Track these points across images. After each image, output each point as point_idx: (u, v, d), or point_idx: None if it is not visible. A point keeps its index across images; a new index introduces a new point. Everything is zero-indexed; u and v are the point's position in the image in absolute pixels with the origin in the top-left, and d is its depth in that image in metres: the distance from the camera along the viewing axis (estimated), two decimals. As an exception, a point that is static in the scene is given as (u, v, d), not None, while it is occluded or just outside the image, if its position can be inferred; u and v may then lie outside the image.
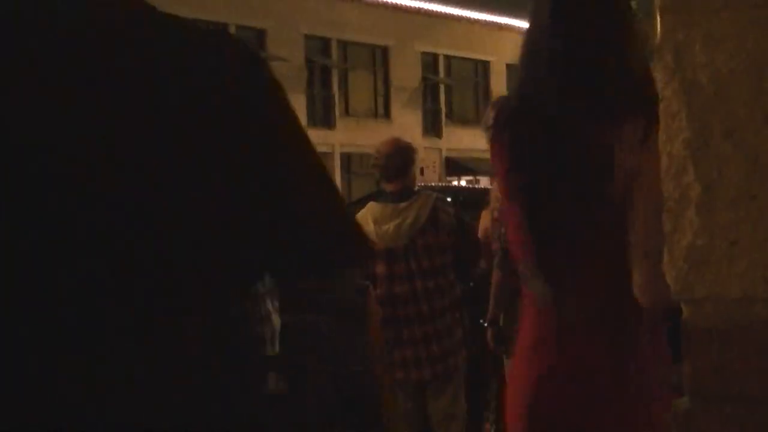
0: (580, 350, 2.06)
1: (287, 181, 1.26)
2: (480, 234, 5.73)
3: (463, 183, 29.21)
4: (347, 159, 30.96)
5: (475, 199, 8.05)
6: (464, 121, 33.34)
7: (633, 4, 2.09)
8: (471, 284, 5.78)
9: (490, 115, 2.18)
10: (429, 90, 33.22)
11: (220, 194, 1.17)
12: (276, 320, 6.43)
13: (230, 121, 1.21)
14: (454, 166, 32.31)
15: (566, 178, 1.97)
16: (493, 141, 2.22)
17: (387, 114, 32.35)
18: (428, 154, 30.47)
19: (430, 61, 33.22)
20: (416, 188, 5.51)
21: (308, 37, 29.82)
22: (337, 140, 30.31)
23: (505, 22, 33.41)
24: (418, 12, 32.81)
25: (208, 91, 1.20)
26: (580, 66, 2.03)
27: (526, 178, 2.06)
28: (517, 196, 2.12)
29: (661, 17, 1.55)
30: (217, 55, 1.23)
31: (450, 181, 29.05)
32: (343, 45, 31.32)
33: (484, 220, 5.73)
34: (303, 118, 29.40)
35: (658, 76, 1.56)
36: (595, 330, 2.06)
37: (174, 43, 1.21)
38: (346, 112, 31.52)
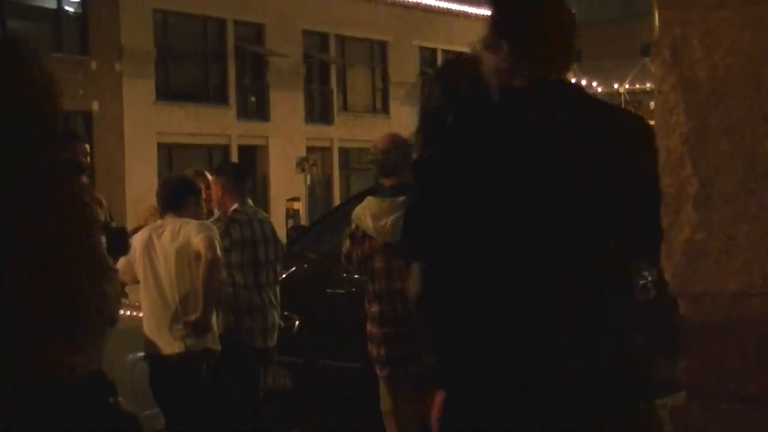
0: None
1: (640, 200, 2.08)
2: None
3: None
4: (345, 154, 30.91)
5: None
6: (462, 117, 33.25)
7: None
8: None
9: None
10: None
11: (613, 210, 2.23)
12: (274, 315, 6.43)
13: (627, 163, 2.18)
14: (453, 161, 32.22)
15: None
16: None
17: (385, 109, 32.27)
18: (426, 150, 30.27)
19: (428, 57, 33.12)
20: (414, 183, 5.49)
21: (306, 33, 29.75)
22: (335, 136, 30.27)
23: (504, 18, 33.31)
24: (416, 7, 32.75)
25: (617, 145, 2.22)
26: None
27: None
28: None
29: (659, 13, 1.55)
30: (623, 121, 2.32)
31: (448, 177, 28.97)
32: (341, 41, 31.25)
33: None
34: (301, 114, 29.36)
35: (656, 71, 1.56)
36: None
37: (599, 117, 2.29)
38: (345, 107, 31.43)
